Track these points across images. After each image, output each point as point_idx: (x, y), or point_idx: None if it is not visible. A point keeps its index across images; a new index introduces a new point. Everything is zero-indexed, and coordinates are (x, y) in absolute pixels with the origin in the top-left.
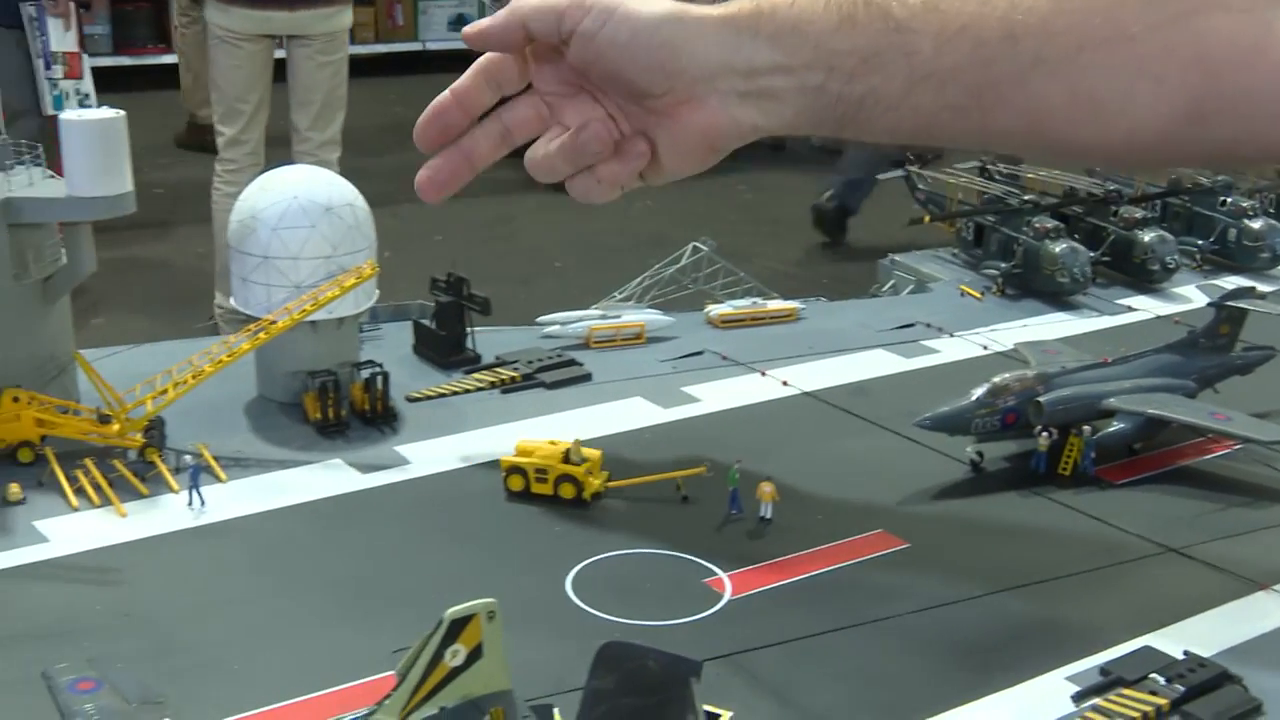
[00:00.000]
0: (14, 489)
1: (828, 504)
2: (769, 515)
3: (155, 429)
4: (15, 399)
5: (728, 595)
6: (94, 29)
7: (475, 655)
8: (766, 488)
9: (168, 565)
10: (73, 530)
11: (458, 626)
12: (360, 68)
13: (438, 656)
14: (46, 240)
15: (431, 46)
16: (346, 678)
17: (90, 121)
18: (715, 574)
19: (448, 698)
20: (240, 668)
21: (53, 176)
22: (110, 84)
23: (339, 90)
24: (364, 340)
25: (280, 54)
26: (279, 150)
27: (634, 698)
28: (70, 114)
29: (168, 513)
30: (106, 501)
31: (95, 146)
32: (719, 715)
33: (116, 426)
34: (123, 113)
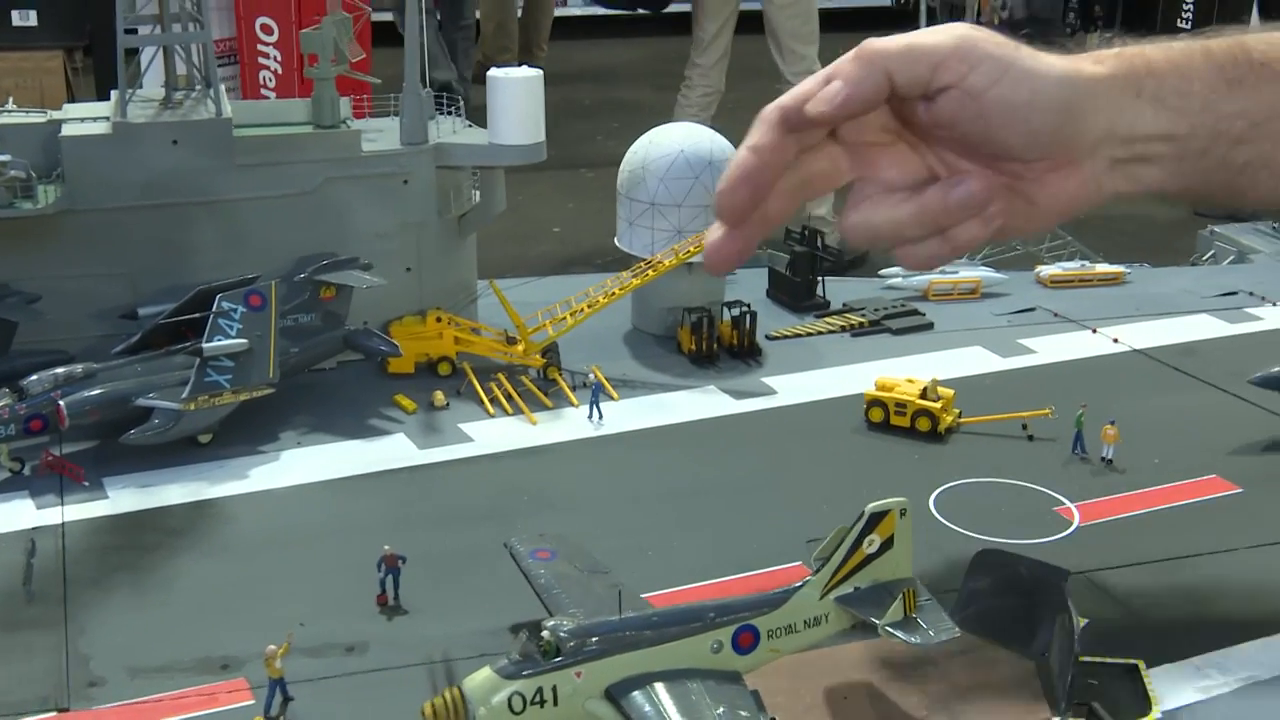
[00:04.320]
0: (439, 396)
1: (1163, 450)
2: (1111, 456)
3: (553, 351)
4: (438, 319)
5: (1076, 522)
6: None
7: (887, 545)
8: (1110, 431)
9: (578, 466)
10: (492, 433)
11: (875, 519)
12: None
13: (857, 544)
14: (465, 182)
15: None
16: (756, 566)
17: (516, 79)
18: (1064, 504)
19: (861, 580)
20: (654, 554)
21: (470, 126)
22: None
23: (805, 28)
24: (726, 283)
25: None
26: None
27: (1007, 598)
28: (498, 71)
29: (571, 423)
30: (518, 410)
31: (518, 100)
32: (1079, 623)
33: (521, 347)
34: (540, 71)
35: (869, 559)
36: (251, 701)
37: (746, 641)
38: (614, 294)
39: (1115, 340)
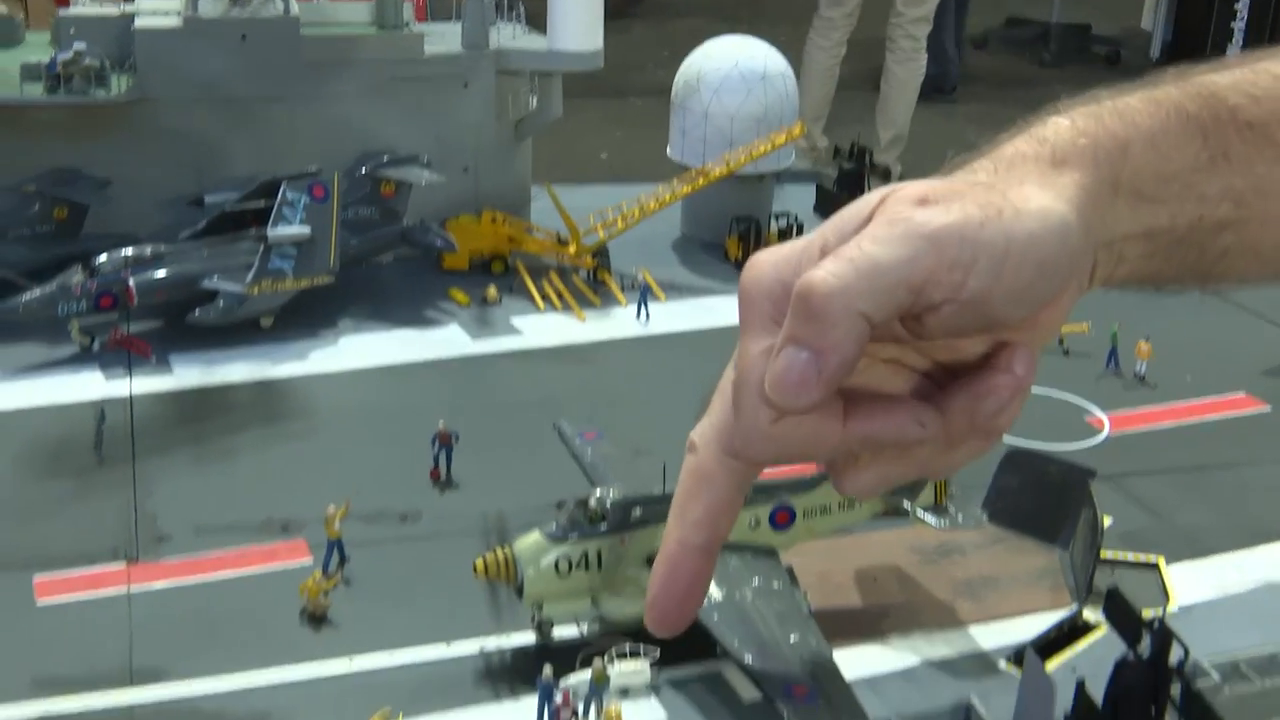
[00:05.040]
0: (492, 291)
1: (1195, 368)
2: (1144, 372)
3: (603, 253)
4: (493, 219)
5: (1106, 431)
6: None
7: None
8: (1144, 347)
9: (624, 362)
10: (541, 327)
11: None
12: None
13: None
14: (523, 87)
15: None
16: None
17: None
18: (1095, 414)
19: None
20: None
21: (530, 32)
22: None
23: None
24: (774, 194)
25: None
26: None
27: (1034, 494)
28: None
29: (618, 321)
30: (567, 307)
31: (578, 8)
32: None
33: (573, 248)
34: None
35: None
36: (310, 560)
37: (783, 519)
38: (664, 200)
39: None
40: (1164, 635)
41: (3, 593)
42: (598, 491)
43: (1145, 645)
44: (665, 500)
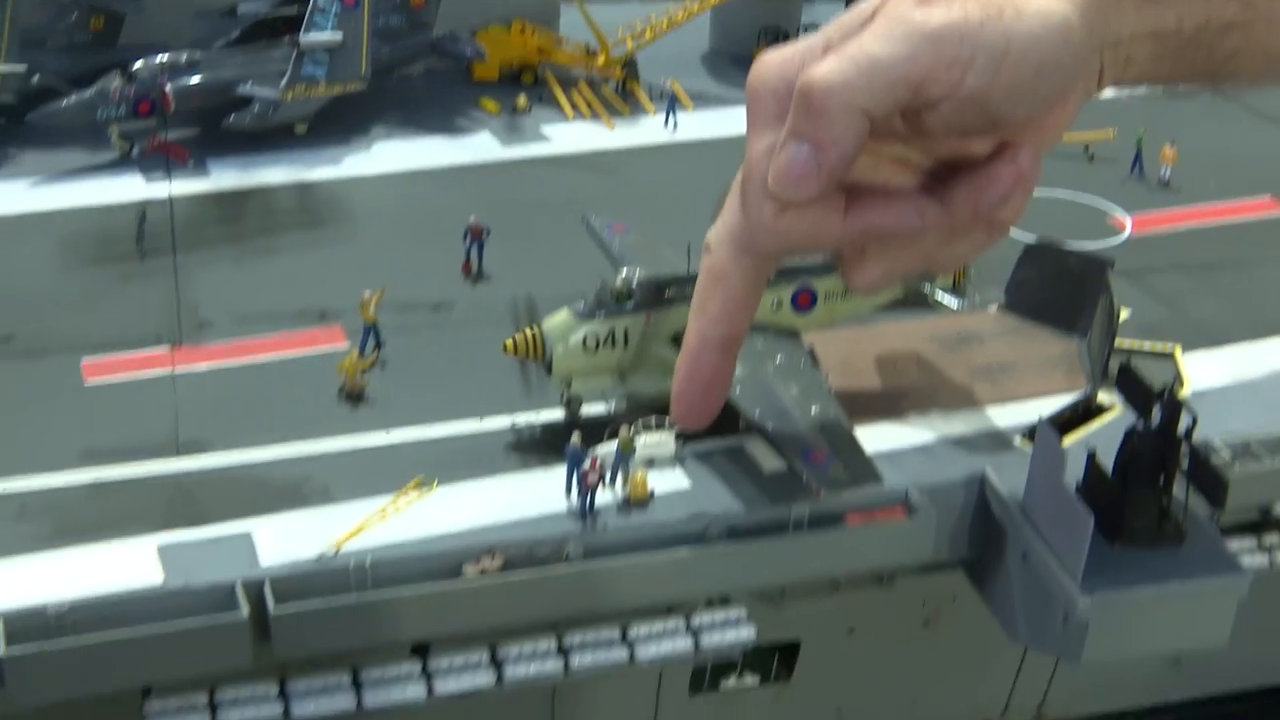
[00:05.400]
0: (521, 100)
1: (1220, 174)
2: (1168, 177)
3: (631, 65)
4: (523, 30)
5: (1128, 231)
6: None
7: None
8: (1169, 151)
9: (650, 168)
10: (570, 135)
11: None
12: None
13: None
14: None
15: None
16: None
17: None
18: (1118, 215)
19: None
20: None
21: None
22: None
23: None
24: (804, 5)
25: None
26: None
27: (1054, 285)
28: None
29: (646, 129)
30: (596, 116)
31: None
32: (1120, 309)
33: (602, 59)
34: None
35: None
36: (346, 345)
37: (805, 301)
38: (692, 11)
39: None
40: (1173, 404)
41: (52, 374)
42: (624, 271)
43: (1156, 415)
44: (691, 280)
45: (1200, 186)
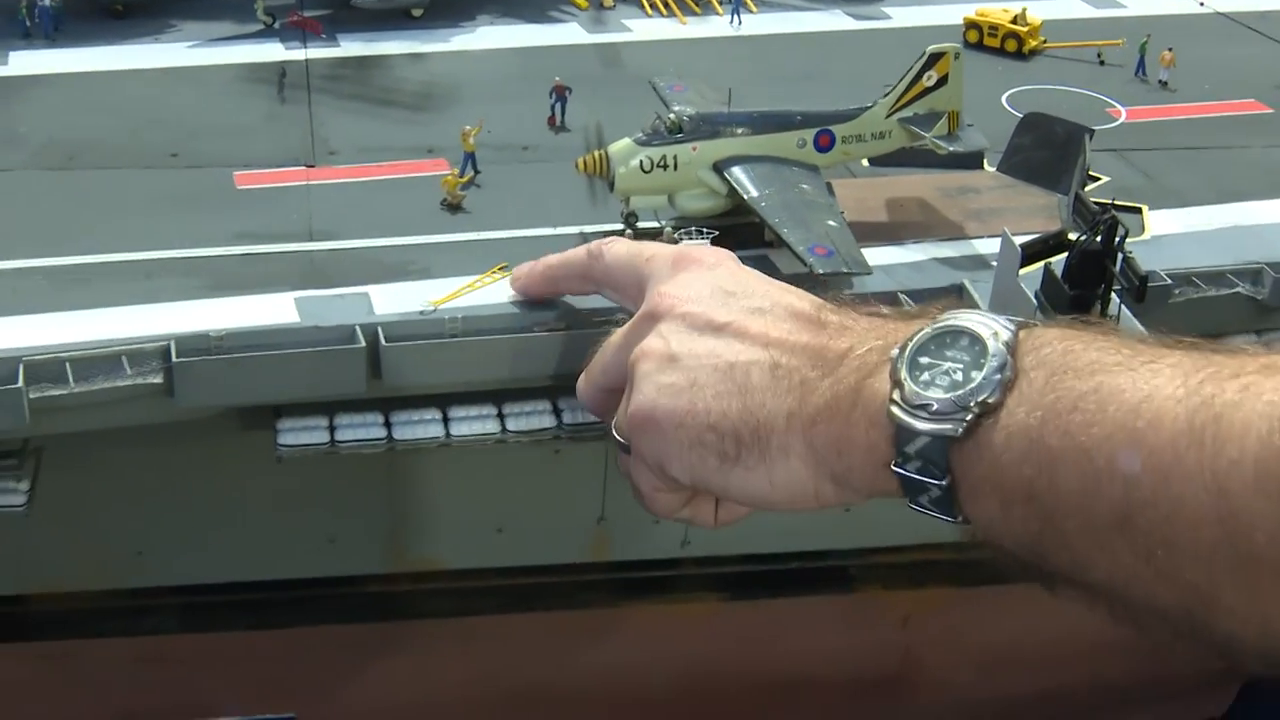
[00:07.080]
0: None
1: (1215, 80)
2: (1166, 79)
3: None
4: None
5: (1122, 118)
6: None
7: (942, 81)
8: (1167, 55)
9: (716, 56)
10: (648, 28)
11: (934, 58)
12: None
13: (917, 78)
14: None
15: None
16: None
17: None
18: (1115, 105)
19: (920, 108)
20: None
21: None
22: None
23: None
24: None
25: None
26: None
27: (1043, 150)
28: None
29: (714, 26)
30: (671, 14)
31: None
32: (1098, 178)
33: None
34: None
35: (927, 91)
36: (449, 170)
37: (825, 142)
38: None
39: (1201, 4)
40: (1111, 221)
41: (211, 180)
42: (677, 107)
43: (1101, 232)
44: (731, 120)
45: (1195, 89)
